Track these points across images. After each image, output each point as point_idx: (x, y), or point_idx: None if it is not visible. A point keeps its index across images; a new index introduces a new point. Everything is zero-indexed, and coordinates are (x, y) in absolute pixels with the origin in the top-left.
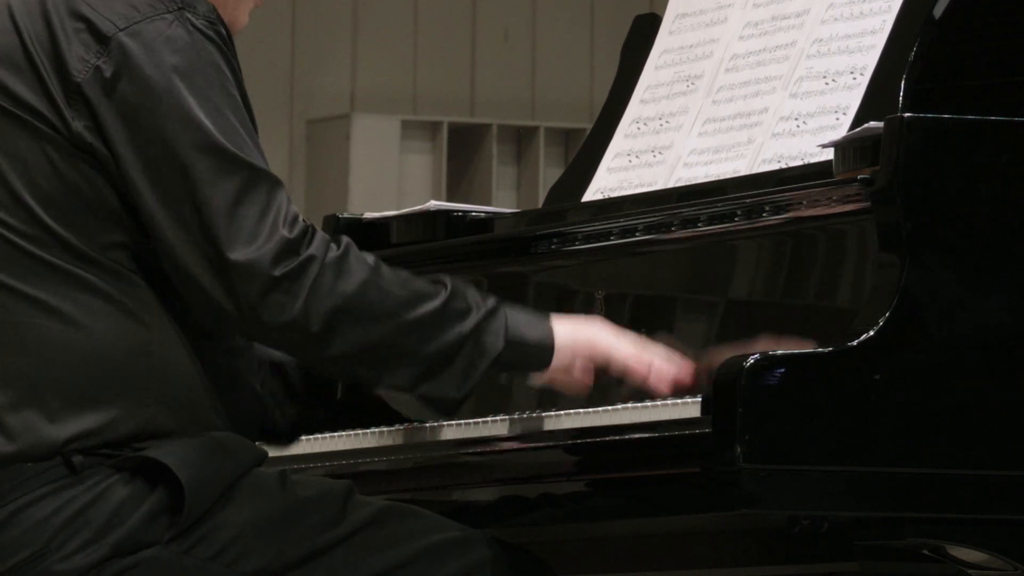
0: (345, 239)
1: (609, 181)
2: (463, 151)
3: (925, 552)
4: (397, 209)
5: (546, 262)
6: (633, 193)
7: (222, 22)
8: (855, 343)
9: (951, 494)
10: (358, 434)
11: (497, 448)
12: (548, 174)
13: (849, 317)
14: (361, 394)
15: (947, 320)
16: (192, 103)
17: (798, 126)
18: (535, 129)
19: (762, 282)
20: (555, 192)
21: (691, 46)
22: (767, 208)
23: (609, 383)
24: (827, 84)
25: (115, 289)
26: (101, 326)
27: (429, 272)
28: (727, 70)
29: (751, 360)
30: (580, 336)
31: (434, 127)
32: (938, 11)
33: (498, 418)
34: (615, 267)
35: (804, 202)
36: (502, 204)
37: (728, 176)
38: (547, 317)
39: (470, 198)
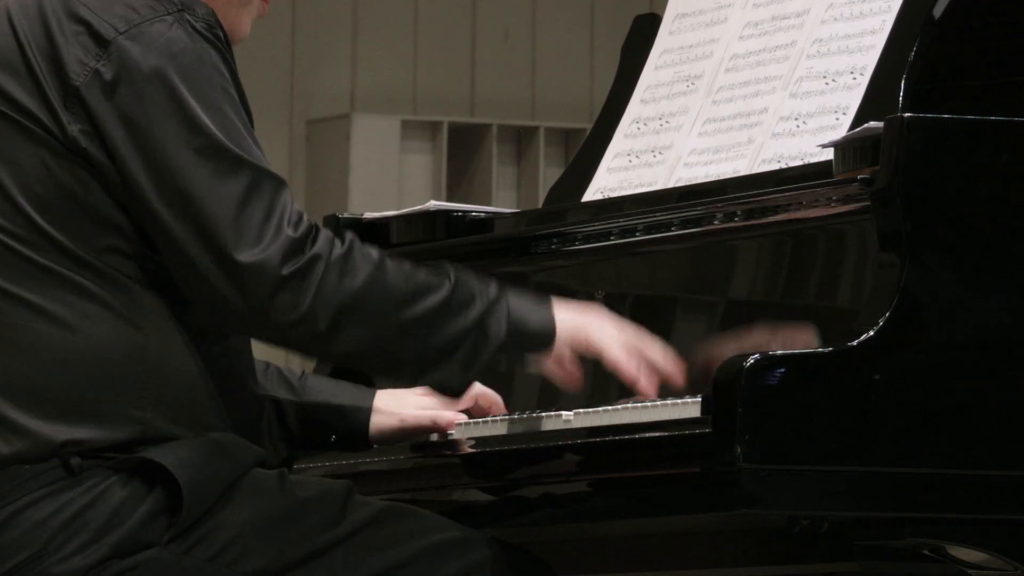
0: (349, 235)
1: (609, 181)
2: (463, 151)
3: (925, 552)
4: (397, 209)
5: (546, 262)
6: (633, 193)
7: (220, 25)
8: (855, 343)
9: (951, 494)
10: None
11: (497, 448)
12: (548, 174)
13: (849, 317)
14: (355, 437)
15: (947, 320)
16: (194, 104)
17: (798, 126)
18: (535, 129)
19: (762, 282)
20: (555, 192)
21: (691, 46)
22: (767, 208)
23: (608, 383)
24: (827, 84)
25: (110, 294)
26: (96, 331)
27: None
28: (727, 70)
29: (751, 360)
30: (580, 327)
31: (434, 127)
32: (938, 11)
33: (498, 418)
34: (615, 267)
35: (804, 202)
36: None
37: (728, 176)
38: (548, 302)
39: (470, 198)
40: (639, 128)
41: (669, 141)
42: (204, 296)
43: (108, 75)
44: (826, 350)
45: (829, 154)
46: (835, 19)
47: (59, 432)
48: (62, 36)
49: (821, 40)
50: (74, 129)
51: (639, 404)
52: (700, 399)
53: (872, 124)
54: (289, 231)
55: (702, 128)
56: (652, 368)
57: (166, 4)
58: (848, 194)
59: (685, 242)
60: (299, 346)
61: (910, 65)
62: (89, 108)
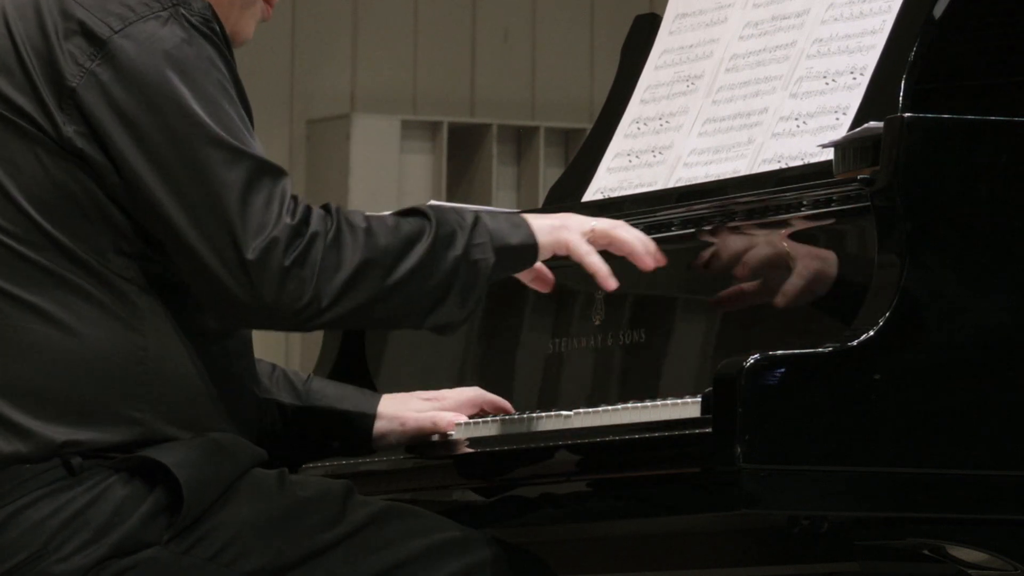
0: (334, 206)
1: (609, 181)
2: (463, 151)
3: (925, 552)
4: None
5: (546, 262)
6: (633, 193)
7: (217, 19)
8: (855, 343)
9: (951, 494)
10: None
11: (497, 448)
12: (548, 174)
13: (849, 317)
14: (359, 442)
15: (947, 320)
16: (191, 99)
17: (798, 126)
18: (535, 129)
19: (762, 282)
20: (555, 192)
21: (691, 46)
22: (767, 208)
23: (608, 383)
24: (827, 84)
25: (110, 295)
26: (96, 332)
27: None
28: (727, 70)
29: (751, 360)
30: (557, 234)
31: (434, 127)
32: (938, 11)
33: (498, 418)
34: (615, 267)
35: (804, 202)
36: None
37: (728, 176)
38: (523, 218)
39: (470, 198)
40: (639, 128)
41: (669, 141)
42: (211, 291)
43: (104, 75)
44: (826, 350)
45: (829, 154)
46: (835, 19)
47: (59, 433)
48: (56, 35)
49: (821, 40)
50: (69, 130)
51: (639, 404)
52: (700, 399)
53: (872, 124)
54: (288, 218)
55: (702, 128)
56: (605, 272)
57: (161, 0)
58: (848, 194)
59: (685, 242)
60: (300, 327)
61: (910, 65)
62: (85, 109)
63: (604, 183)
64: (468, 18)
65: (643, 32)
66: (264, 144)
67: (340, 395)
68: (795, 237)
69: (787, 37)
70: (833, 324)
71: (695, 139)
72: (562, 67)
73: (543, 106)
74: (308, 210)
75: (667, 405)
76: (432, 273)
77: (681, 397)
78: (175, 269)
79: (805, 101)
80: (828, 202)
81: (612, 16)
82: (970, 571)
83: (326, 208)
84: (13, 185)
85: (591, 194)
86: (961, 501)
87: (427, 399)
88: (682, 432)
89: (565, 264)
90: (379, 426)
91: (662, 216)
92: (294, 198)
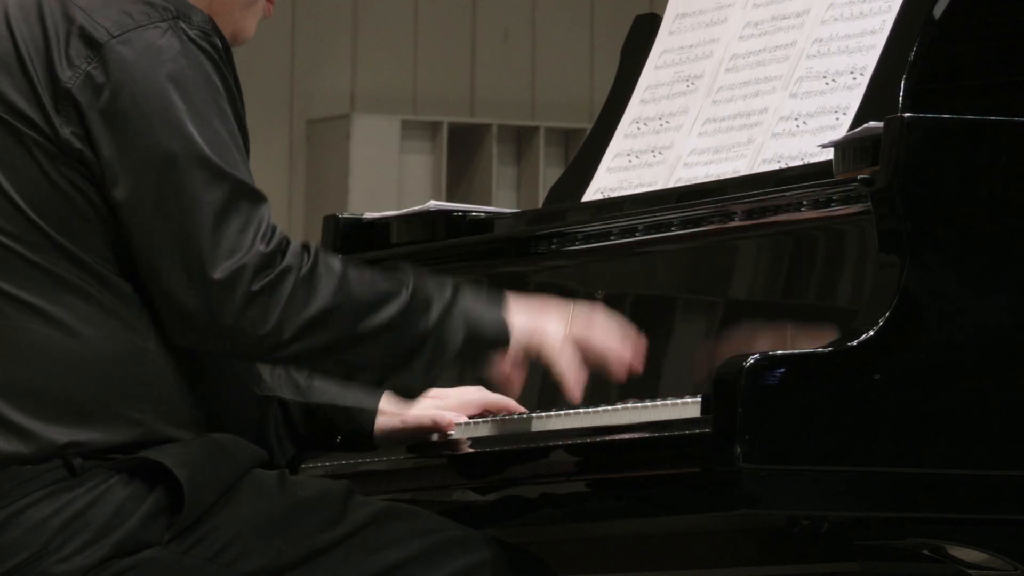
0: (314, 245)
1: (609, 181)
2: (463, 151)
3: (925, 552)
4: (397, 209)
5: (546, 262)
6: (633, 193)
7: (218, 33)
8: (855, 343)
9: (951, 494)
10: None
11: (497, 448)
12: (548, 174)
13: (849, 317)
14: (360, 438)
15: (947, 320)
16: (181, 113)
17: (798, 126)
18: (535, 129)
19: (762, 282)
20: (555, 192)
21: (691, 46)
22: (767, 208)
23: (608, 383)
24: (827, 84)
25: (109, 296)
26: (96, 333)
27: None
28: (727, 70)
29: (751, 360)
30: (533, 331)
31: (434, 127)
32: (938, 11)
33: (498, 418)
34: (615, 267)
35: (804, 202)
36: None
37: (728, 176)
38: (502, 302)
39: (470, 198)
40: (639, 128)
41: (669, 141)
42: (171, 306)
43: (99, 78)
44: (826, 350)
45: (829, 154)
46: (835, 19)
47: (60, 433)
48: (56, 37)
49: (821, 40)
50: (66, 132)
51: (639, 404)
52: (700, 399)
53: (872, 124)
54: (261, 246)
55: (702, 128)
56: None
57: (161, 11)
58: (848, 194)
59: (685, 242)
60: (257, 357)
61: (910, 65)
62: (80, 110)
63: (604, 183)
64: (468, 18)
65: (643, 32)
66: (264, 144)
67: (342, 391)
68: (795, 237)
69: (787, 37)
70: (833, 324)
71: (695, 139)
72: (562, 67)
73: (543, 106)
74: (285, 242)
75: (667, 405)
76: (399, 336)
77: (681, 397)
78: None
79: (805, 101)
80: (828, 202)
81: (612, 16)
82: (970, 571)
83: (305, 246)
84: (11, 187)
85: (591, 194)
86: (961, 501)
87: (430, 397)
88: (682, 432)
89: (565, 264)
90: (380, 422)
91: (662, 216)
92: (273, 227)
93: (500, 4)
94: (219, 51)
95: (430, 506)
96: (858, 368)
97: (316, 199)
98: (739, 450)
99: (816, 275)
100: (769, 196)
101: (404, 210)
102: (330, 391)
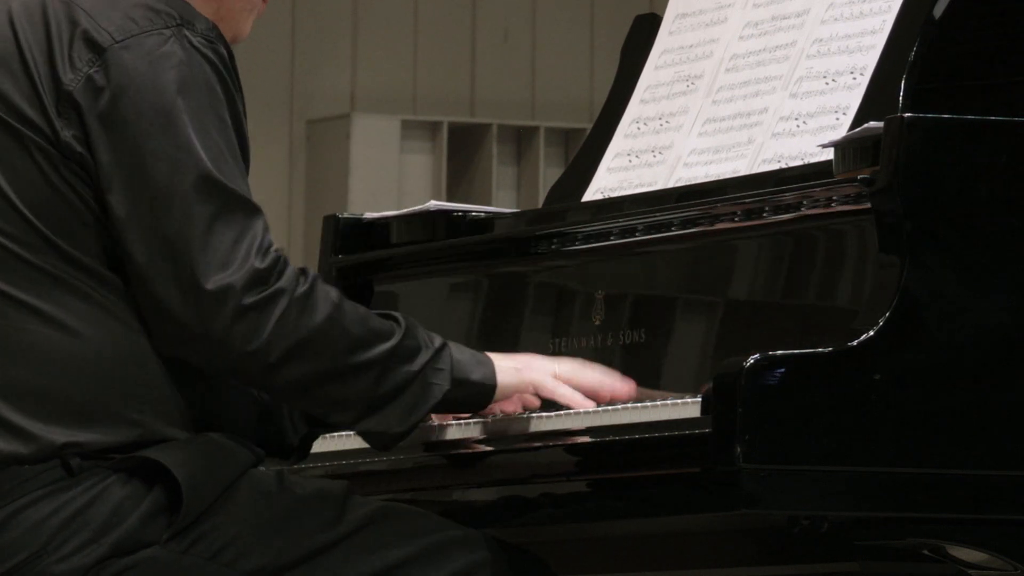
0: (312, 272)
1: (609, 181)
2: (463, 151)
3: (925, 552)
4: (397, 209)
5: (546, 262)
6: (633, 193)
7: (222, 40)
8: (855, 343)
9: (951, 494)
10: None
11: (497, 448)
12: (548, 174)
13: (849, 317)
14: None
15: (947, 320)
16: (180, 121)
17: (798, 126)
18: (535, 129)
19: (762, 282)
20: (555, 192)
21: (691, 46)
22: (767, 208)
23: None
24: (827, 84)
25: (109, 297)
26: (96, 334)
27: (429, 273)
28: (727, 70)
29: (751, 360)
30: (521, 378)
31: (434, 127)
32: (938, 11)
33: (498, 418)
34: (615, 267)
35: (804, 202)
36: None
37: (728, 176)
38: (488, 358)
39: (470, 198)
40: (639, 128)
41: (669, 141)
42: (161, 314)
43: (100, 82)
44: (826, 350)
45: (829, 154)
46: (835, 19)
47: (59, 434)
48: (59, 40)
49: (821, 40)
50: (67, 134)
51: (639, 404)
52: (700, 399)
53: (872, 124)
54: (255, 261)
55: (702, 128)
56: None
57: (165, 17)
58: (848, 194)
59: (685, 242)
60: (246, 376)
61: (910, 65)
62: (81, 113)
63: (604, 183)
64: (468, 18)
65: (643, 32)
66: (264, 144)
67: None
68: (795, 237)
69: (787, 37)
70: (833, 324)
71: (695, 139)
72: (562, 67)
73: (543, 106)
74: (282, 262)
75: (667, 405)
76: (384, 376)
77: (681, 397)
78: None
79: (805, 101)
80: (828, 202)
81: (612, 16)
82: (970, 571)
83: (303, 270)
84: (12, 189)
85: (591, 194)
86: (961, 501)
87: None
88: (682, 432)
89: (565, 264)
90: None
91: (662, 216)
92: (270, 244)
93: (500, 4)
94: (223, 59)
95: (430, 506)
96: (858, 368)
97: (316, 199)
98: (739, 450)
99: (816, 275)
100: (769, 196)
101: (404, 210)
102: None
